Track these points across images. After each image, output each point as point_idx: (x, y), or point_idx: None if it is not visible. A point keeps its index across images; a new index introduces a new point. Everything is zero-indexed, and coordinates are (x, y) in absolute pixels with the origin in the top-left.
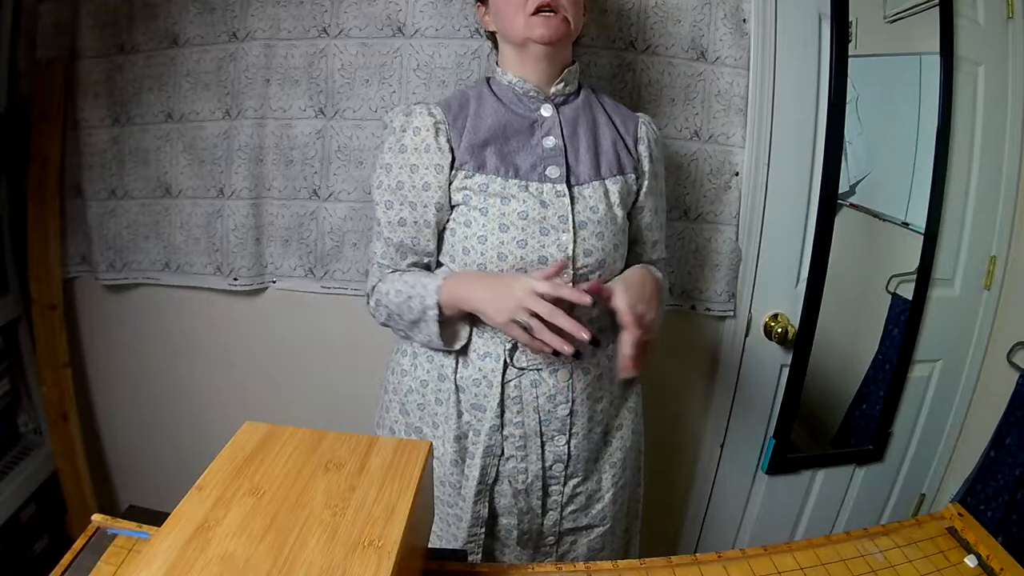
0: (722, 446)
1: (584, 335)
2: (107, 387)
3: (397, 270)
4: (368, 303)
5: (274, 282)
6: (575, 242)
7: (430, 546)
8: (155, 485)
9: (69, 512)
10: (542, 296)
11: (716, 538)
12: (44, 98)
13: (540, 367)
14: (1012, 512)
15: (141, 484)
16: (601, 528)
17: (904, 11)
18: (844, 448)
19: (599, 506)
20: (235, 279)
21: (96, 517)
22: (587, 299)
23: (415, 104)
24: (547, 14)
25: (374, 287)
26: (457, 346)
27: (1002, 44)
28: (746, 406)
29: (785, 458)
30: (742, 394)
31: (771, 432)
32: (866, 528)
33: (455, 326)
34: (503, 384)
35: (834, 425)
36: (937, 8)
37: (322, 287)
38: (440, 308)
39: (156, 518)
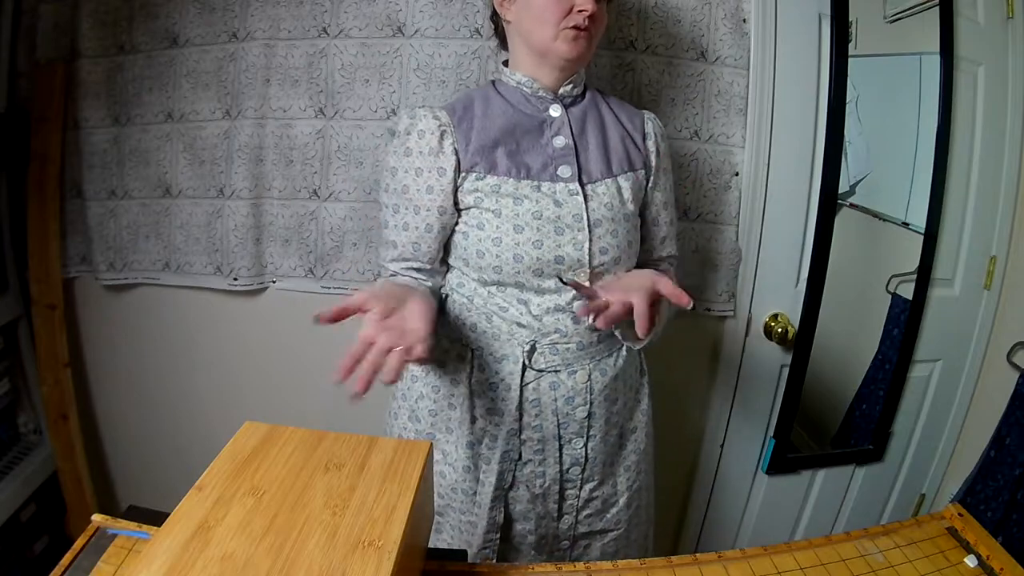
0: (722, 446)
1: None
2: (107, 387)
3: (397, 275)
4: None
5: (274, 282)
6: (591, 240)
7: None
8: (155, 485)
9: (69, 512)
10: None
11: (716, 538)
12: (44, 98)
13: (558, 368)
14: (1012, 512)
15: (141, 484)
16: (615, 532)
17: (904, 11)
18: (844, 448)
19: (614, 510)
20: (235, 279)
21: (96, 517)
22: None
23: (419, 108)
24: (578, 32)
25: None
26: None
27: (1002, 44)
28: (746, 406)
29: (785, 458)
30: (742, 394)
31: (771, 432)
32: (866, 528)
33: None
34: (522, 387)
35: (834, 425)
36: (937, 8)
37: (322, 287)
38: None
39: (156, 518)
